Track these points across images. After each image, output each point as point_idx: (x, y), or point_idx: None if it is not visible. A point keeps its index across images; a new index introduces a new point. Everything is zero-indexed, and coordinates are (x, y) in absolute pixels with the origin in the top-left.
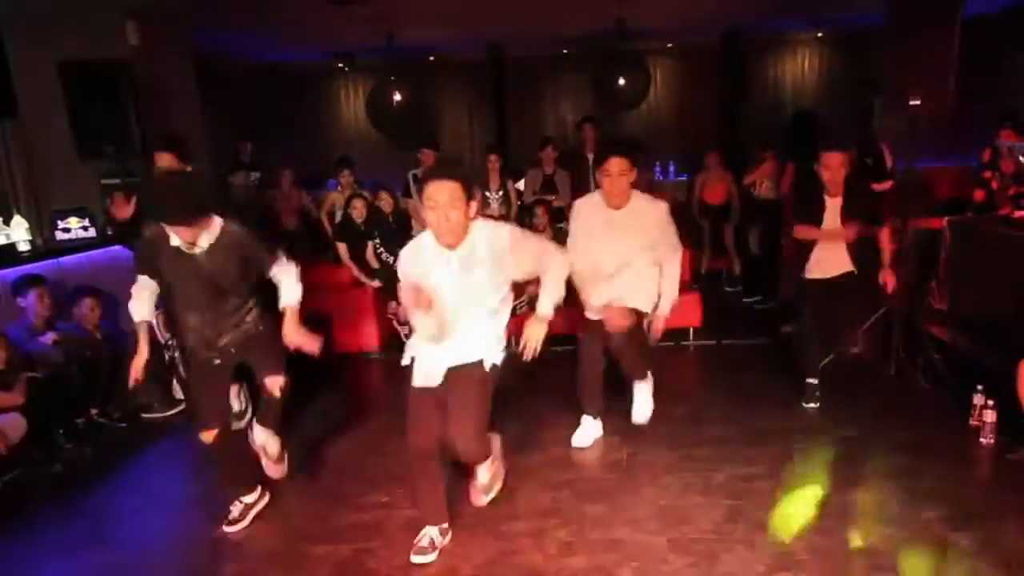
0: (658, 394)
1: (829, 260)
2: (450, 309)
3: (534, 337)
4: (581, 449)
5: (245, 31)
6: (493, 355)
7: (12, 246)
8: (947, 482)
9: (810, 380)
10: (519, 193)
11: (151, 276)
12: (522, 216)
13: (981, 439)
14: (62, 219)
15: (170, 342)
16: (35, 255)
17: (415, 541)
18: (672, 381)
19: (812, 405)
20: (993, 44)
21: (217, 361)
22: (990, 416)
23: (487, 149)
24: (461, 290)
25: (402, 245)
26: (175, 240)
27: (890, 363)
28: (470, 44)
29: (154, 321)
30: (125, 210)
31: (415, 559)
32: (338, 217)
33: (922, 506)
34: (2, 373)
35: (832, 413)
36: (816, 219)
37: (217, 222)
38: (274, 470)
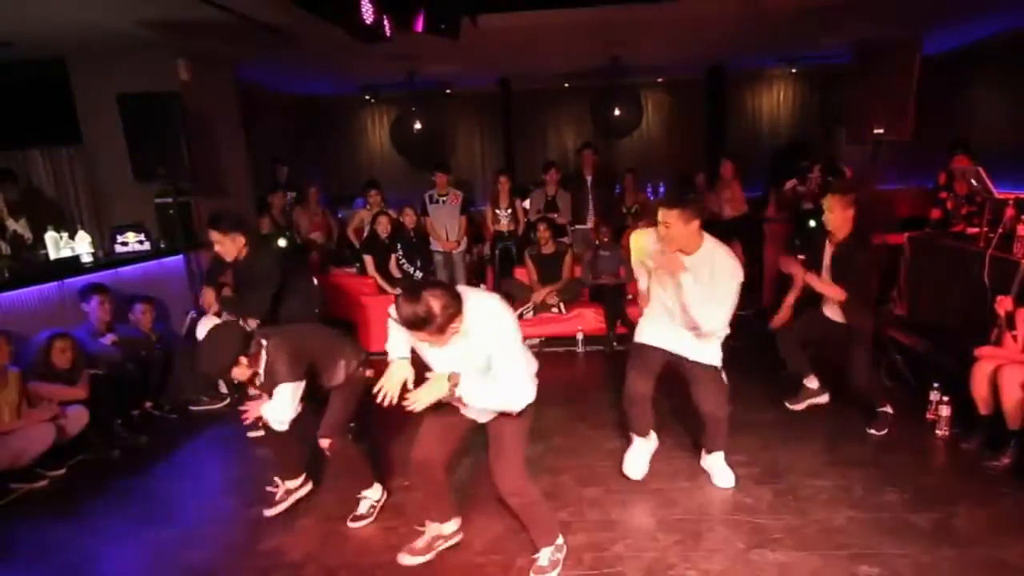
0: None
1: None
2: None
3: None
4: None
5: (282, 68)
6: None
7: (77, 258)
8: (907, 469)
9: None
10: (525, 211)
11: None
12: (528, 231)
13: (937, 431)
14: (120, 234)
15: None
16: (97, 266)
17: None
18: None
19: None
20: (947, 80)
21: None
22: (945, 411)
23: (497, 171)
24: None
25: (422, 257)
26: None
27: None
28: (482, 79)
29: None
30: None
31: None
32: (365, 232)
33: (884, 490)
34: (68, 371)
35: (805, 408)
36: (816, 263)
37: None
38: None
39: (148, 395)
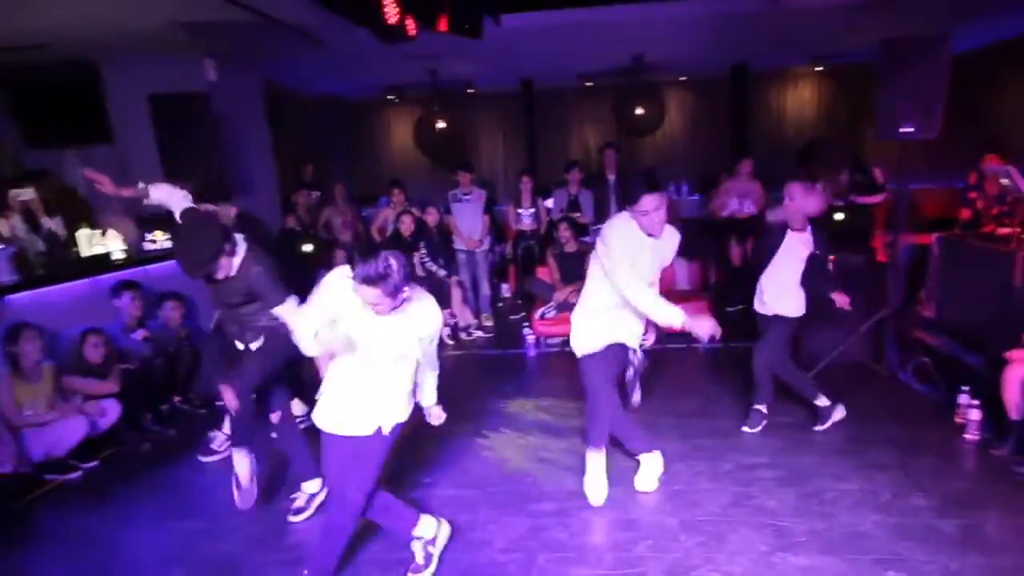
0: (670, 391)
1: None
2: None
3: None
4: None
5: (307, 68)
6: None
7: (108, 255)
8: (934, 474)
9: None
10: (548, 211)
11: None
12: (549, 231)
13: (966, 435)
14: (149, 232)
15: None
16: (127, 263)
17: None
18: (683, 379)
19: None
20: (978, 78)
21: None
22: (974, 415)
23: (520, 171)
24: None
25: (445, 256)
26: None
27: (882, 366)
28: (504, 78)
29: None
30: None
31: None
32: (389, 231)
33: (911, 495)
34: (100, 365)
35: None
36: (771, 253)
37: (238, 259)
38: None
39: (177, 390)
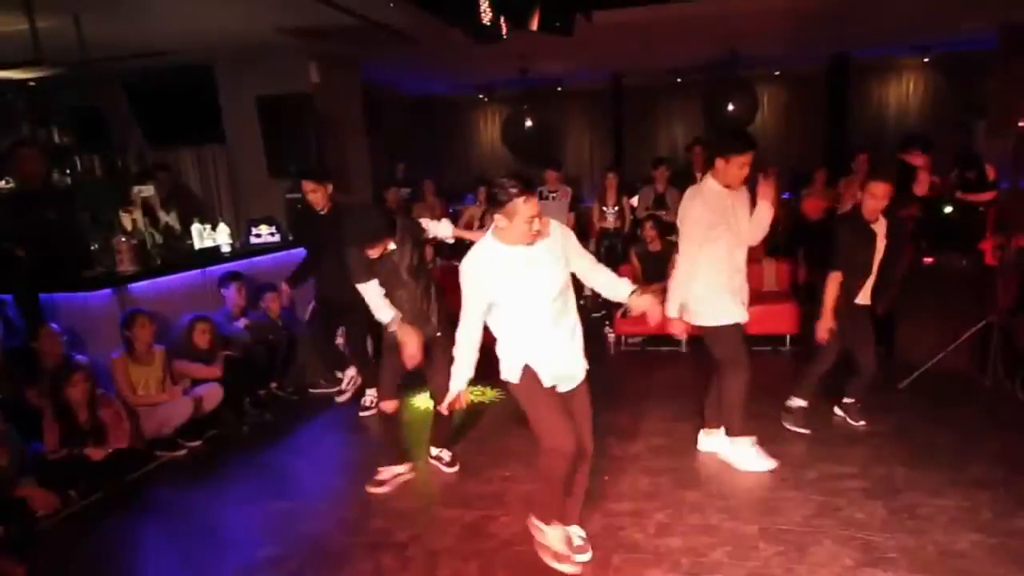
0: (755, 394)
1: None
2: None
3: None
4: (676, 441)
5: (402, 69)
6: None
7: (217, 248)
8: None
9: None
10: (633, 208)
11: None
12: (634, 229)
13: None
14: (255, 226)
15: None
16: (234, 255)
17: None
18: (769, 383)
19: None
20: None
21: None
22: None
23: (606, 168)
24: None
25: None
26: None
27: (986, 375)
28: (594, 75)
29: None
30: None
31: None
32: (475, 228)
33: (1015, 515)
34: (207, 351)
35: (926, 421)
36: (872, 248)
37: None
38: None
39: (274, 377)
